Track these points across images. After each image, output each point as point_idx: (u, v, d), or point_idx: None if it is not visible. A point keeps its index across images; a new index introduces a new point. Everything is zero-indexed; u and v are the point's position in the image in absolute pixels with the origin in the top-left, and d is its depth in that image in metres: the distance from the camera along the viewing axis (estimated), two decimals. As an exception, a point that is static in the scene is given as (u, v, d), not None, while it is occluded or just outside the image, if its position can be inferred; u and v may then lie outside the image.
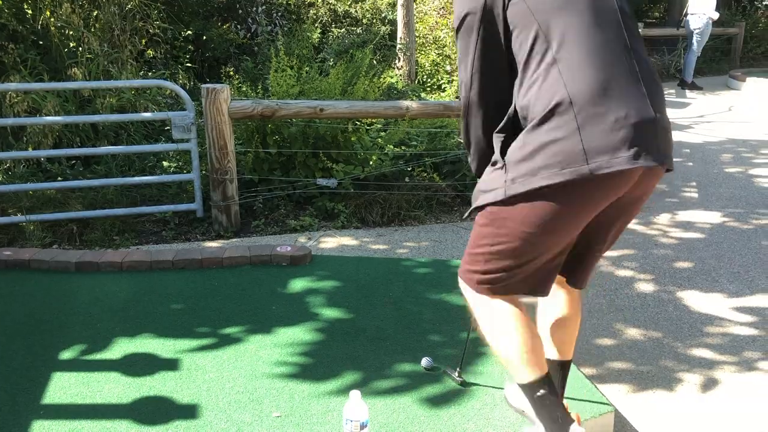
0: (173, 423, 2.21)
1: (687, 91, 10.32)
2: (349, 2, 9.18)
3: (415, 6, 8.42)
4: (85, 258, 3.48)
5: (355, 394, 2.04)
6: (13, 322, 2.89)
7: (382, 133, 5.22)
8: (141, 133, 5.53)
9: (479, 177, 2.00)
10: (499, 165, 1.80)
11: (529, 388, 1.92)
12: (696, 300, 3.50)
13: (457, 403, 2.33)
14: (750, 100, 9.49)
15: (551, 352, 2.11)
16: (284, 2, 9.12)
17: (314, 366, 2.57)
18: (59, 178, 4.88)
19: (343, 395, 2.36)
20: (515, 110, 1.80)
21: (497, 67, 1.83)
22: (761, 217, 4.81)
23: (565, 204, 1.70)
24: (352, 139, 4.94)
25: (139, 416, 2.25)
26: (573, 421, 1.89)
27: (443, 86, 7.97)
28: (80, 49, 5.88)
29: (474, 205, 1.88)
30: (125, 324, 2.89)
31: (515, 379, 1.96)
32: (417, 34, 8.49)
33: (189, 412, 2.28)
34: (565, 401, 2.14)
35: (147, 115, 4.94)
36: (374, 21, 8.98)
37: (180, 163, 5.19)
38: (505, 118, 1.82)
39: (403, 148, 5.11)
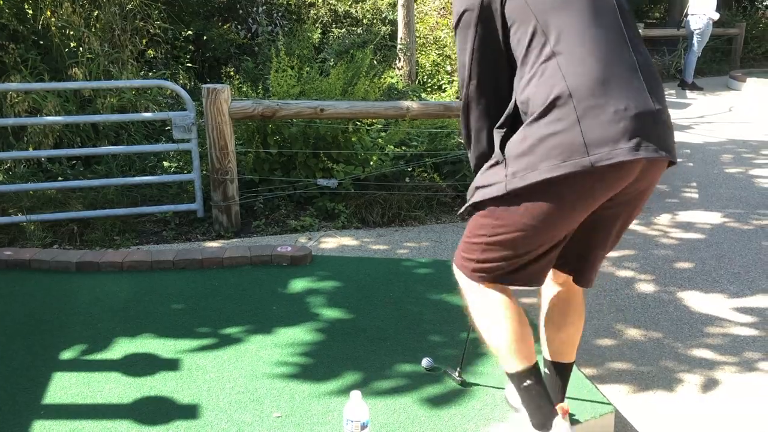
0: (174, 423, 2.21)
1: (687, 91, 10.33)
2: (349, 2, 9.18)
3: (415, 6, 8.42)
4: (86, 258, 3.48)
5: (356, 394, 2.04)
6: (14, 322, 2.89)
7: (383, 134, 5.22)
8: (141, 133, 5.54)
9: (476, 172, 2.01)
10: (499, 160, 1.80)
11: (516, 378, 1.94)
12: (696, 300, 3.50)
13: (457, 403, 2.33)
14: (750, 101, 9.49)
15: (554, 354, 2.10)
16: (285, 2, 9.12)
17: (315, 366, 2.57)
18: (60, 178, 4.88)
19: (343, 395, 2.36)
20: (515, 105, 1.80)
21: (495, 63, 1.83)
22: (761, 217, 4.81)
23: (567, 196, 1.69)
24: (353, 139, 4.94)
25: (140, 416, 2.25)
26: (557, 414, 1.90)
27: (444, 87, 7.97)
28: (81, 49, 5.88)
29: (471, 201, 1.87)
30: (126, 324, 2.89)
31: (503, 368, 1.97)
32: (417, 35, 8.49)
33: (189, 412, 2.28)
34: (566, 401, 2.14)
35: (147, 115, 4.94)
36: (375, 21, 8.98)
37: (180, 163, 5.20)
38: (505, 114, 1.82)
39: (403, 148, 5.11)
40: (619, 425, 2.44)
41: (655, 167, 1.74)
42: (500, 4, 1.78)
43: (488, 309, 1.92)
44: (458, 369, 2.47)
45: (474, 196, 1.86)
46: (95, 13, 6.27)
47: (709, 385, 2.76)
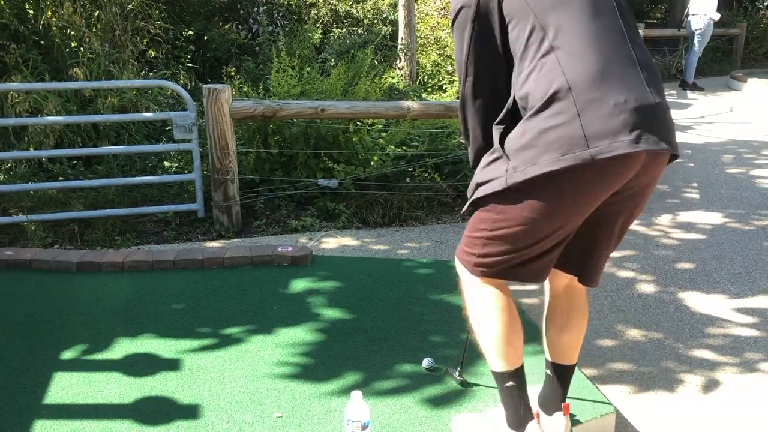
0: (174, 423, 2.21)
1: (688, 91, 10.32)
2: (350, 3, 9.18)
3: (416, 6, 8.42)
4: (87, 258, 3.48)
5: (357, 394, 2.04)
6: (15, 322, 2.89)
7: (384, 134, 5.22)
8: (142, 134, 5.54)
9: (474, 168, 2.01)
10: (499, 155, 1.79)
11: (499, 377, 1.96)
12: (697, 301, 3.50)
13: (458, 403, 2.33)
14: (751, 101, 9.48)
15: (556, 356, 2.10)
16: (285, 2, 9.12)
17: (315, 366, 2.57)
18: (60, 178, 4.89)
19: (344, 396, 2.36)
20: (514, 101, 1.79)
21: (492, 60, 1.84)
22: (762, 218, 4.81)
23: (567, 190, 1.69)
24: (354, 139, 4.94)
25: (141, 416, 2.25)
26: (533, 419, 1.94)
27: (444, 87, 7.97)
28: (82, 49, 5.88)
29: (472, 197, 1.87)
30: (126, 324, 2.89)
31: (488, 364, 1.99)
32: (418, 35, 8.49)
33: (190, 412, 2.28)
34: (567, 401, 2.14)
35: (148, 115, 4.94)
36: (375, 21, 8.98)
37: (181, 164, 5.20)
38: (504, 110, 1.82)
39: (404, 148, 5.11)
40: (620, 425, 2.44)
41: (657, 161, 1.73)
42: (497, 2, 1.78)
43: (483, 306, 1.92)
44: (459, 369, 2.47)
45: (475, 193, 1.85)
46: (96, 13, 6.27)
47: (710, 385, 2.76)
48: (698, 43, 10.10)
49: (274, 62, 5.19)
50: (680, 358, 2.95)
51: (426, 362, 2.56)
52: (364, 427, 2.03)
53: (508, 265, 1.84)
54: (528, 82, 1.72)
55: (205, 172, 4.64)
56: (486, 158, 1.85)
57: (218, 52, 8.10)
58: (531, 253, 1.81)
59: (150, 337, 2.78)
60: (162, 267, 3.48)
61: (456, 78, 7.83)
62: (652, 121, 1.66)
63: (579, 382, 2.42)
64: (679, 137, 7.33)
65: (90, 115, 5.16)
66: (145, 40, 6.80)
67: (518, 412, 1.95)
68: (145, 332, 2.82)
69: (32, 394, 2.37)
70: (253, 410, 2.29)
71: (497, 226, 1.80)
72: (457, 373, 2.46)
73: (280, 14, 9.19)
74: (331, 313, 3.00)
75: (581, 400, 2.33)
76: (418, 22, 8.67)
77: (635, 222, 4.68)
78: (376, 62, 7.45)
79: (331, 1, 9.13)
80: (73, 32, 6.01)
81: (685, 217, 4.83)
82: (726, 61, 12.62)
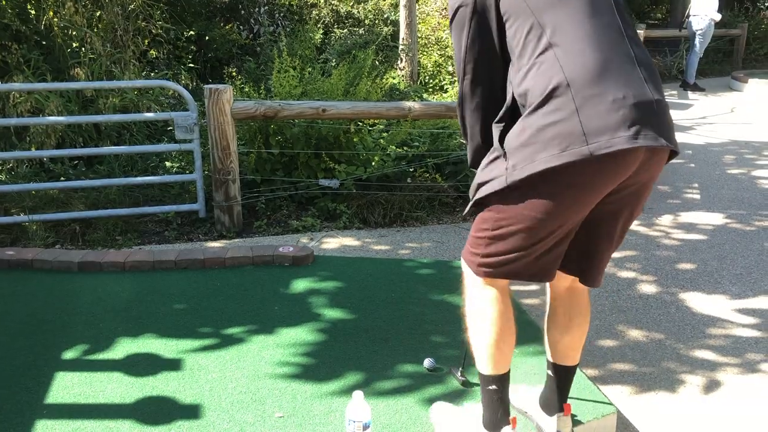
0: (176, 423, 2.22)
1: (689, 92, 10.32)
2: (351, 3, 9.18)
3: (417, 7, 8.42)
4: (88, 258, 3.48)
5: (358, 394, 2.04)
6: (16, 322, 2.89)
7: (385, 134, 5.22)
8: (144, 134, 5.54)
9: (473, 167, 2.02)
10: (498, 154, 1.79)
11: (483, 378, 1.98)
12: (698, 301, 3.50)
13: (459, 403, 2.33)
14: (752, 102, 9.48)
15: (558, 357, 2.10)
16: (287, 3, 9.12)
17: (317, 366, 2.57)
18: (62, 178, 4.89)
19: (345, 396, 2.36)
20: (513, 99, 1.79)
21: (490, 59, 1.84)
22: (764, 218, 4.81)
23: (567, 187, 1.68)
24: (355, 139, 4.94)
25: (142, 416, 2.25)
26: (509, 424, 1.96)
27: (445, 87, 7.97)
28: (83, 49, 5.89)
29: (474, 198, 1.87)
30: (128, 324, 2.89)
31: (475, 364, 2.00)
32: (419, 35, 8.49)
33: (191, 412, 2.28)
34: (568, 401, 2.14)
35: (150, 115, 4.95)
36: (376, 22, 8.98)
37: (182, 164, 5.20)
38: (504, 108, 1.82)
39: (405, 148, 5.11)
40: (621, 426, 2.44)
41: (657, 158, 1.73)
42: (495, 0, 1.78)
43: (481, 308, 1.92)
44: (460, 369, 2.47)
45: (477, 194, 1.85)
46: (98, 14, 6.28)
47: (711, 386, 2.76)
48: (699, 43, 10.09)
49: (276, 62, 5.19)
50: (681, 358, 2.95)
51: (427, 362, 2.56)
52: (366, 427, 2.03)
53: (511, 265, 1.83)
54: (526, 80, 1.72)
55: (206, 172, 4.64)
56: (486, 158, 1.86)
57: (219, 53, 8.11)
58: (534, 251, 1.80)
59: (151, 337, 2.79)
60: (163, 267, 3.48)
61: (457, 78, 7.82)
62: (651, 117, 1.66)
63: (580, 383, 2.42)
64: (680, 138, 7.33)
65: (91, 116, 5.16)
66: (146, 41, 6.80)
67: (496, 415, 1.98)
68: (147, 332, 2.82)
69: (34, 394, 2.37)
70: (255, 410, 2.29)
71: (499, 225, 1.80)
72: (458, 374, 2.46)
73: (282, 14, 9.20)
74: (333, 314, 3.01)
75: (582, 400, 2.33)
76: (419, 23, 8.68)
77: (636, 222, 4.67)
78: (377, 63, 7.45)
79: (333, 2, 9.14)
80: (74, 32, 6.02)
81: (686, 217, 4.82)
82: (727, 61, 12.62)
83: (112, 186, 4.69)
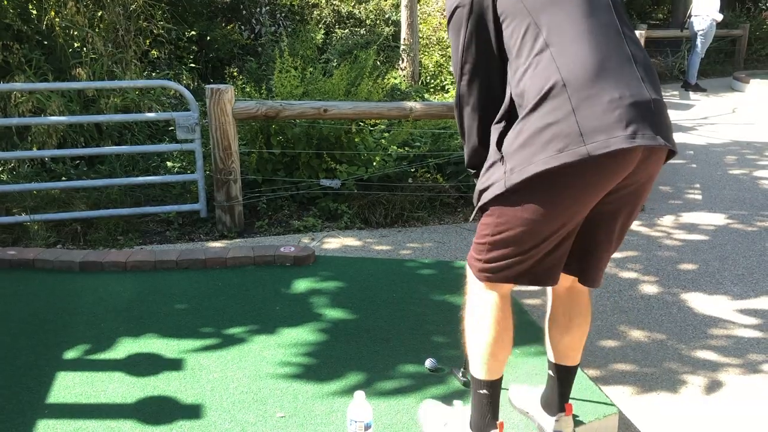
0: (177, 423, 2.22)
1: (690, 92, 10.31)
2: (352, 3, 9.18)
3: (418, 7, 8.42)
4: (89, 258, 3.48)
5: (359, 394, 2.04)
6: (18, 322, 2.90)
7: (386, 134, 5.22)
8: (145, 134, 5.55)
9: (469, 168, 2.02)
10: (496, 159, 1.79)
11: (475, 382, 1.98)
12: (700, 302, 3.49)
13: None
14: (754, 102, 9.47)
15: (559, 357, 2.10)
16: (288, 3, 9.13)
17: (318, 366, 2.57)
18: (63, 178, 4.89)
19: (347, 396, 2.36)
20: (511, 99, 1.79)
21: (488, 58, 1.84)
22: (765, 219, 4.80)
23: (566, 188, 1.68)
24: (356, 139, 4.95)
25: (143, 416, 2.25)
26: (496, 428, 1.96)
27: (447, 87, 7.97)
28: (85, 49, 5.89)
29: (477, 205, 1.87)
30: (129, 324, 2.89)
31: (469, 367, 2.00)
32: (420, 35, 8.49)
33: (193, 412, 2.28)
34: (569, 402, 2.14)
35: (151, 115, 4.95)
36: (378, 22, 8.98)
37: (184, 164, 5.20)
38: (502, 108, 1.82)
39: (406, 149, 5.11)
40: (623, 426, 2.44)
41: (655, 157, 1.72)
42: (492, 0, 1.78)
43: (481, 313, 1.92)
44: (462, 369, 2.46)
45: (479, 200, 1.85)
46: (99, 14, 6.29)
47: (713, 386, 2.75)
48: (701, 44, 10.09)
49: (277, 63, 5.19)
50: (683, 359, 2.95)
51: (429, 363, 2.56)
52: (367, 427, 2.03)
53: (512, 269, 1.83)
54: (523, 80, 1.72)
55: (207, 172, 4.64)
56: (486, 164, 1.85)
57: (221, 53, 8.12)
58: (535, 255, 1.80)
59: (152, 336, 2.79)
60: (165, 267, 3.48)
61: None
62: (649, 116, 1.65)
63: (582, 383, 2.42)
64: (682, 138, 7.33)
65: (93, 115, 5.16)
66: (148, 41, 6.81)
67: (484, 419, 1.98)
68: (148, 332, 2.82)
69: (35, 394, 2.37)
70: (256, 410, 2.29)
71: (499, 230, 1.80)
72: (460, 374, 2.46)
73: (283, 15, 9.21)
74: (334, 314, 3.00)
75: (584, 401, 2.33)
76: (421, 23, 8.68)
77: (638, 223, 4.67)
78: (378, 63, 7.45)
79: (334, 2, 9.14)
80: (76, 32, 6.02)
81: (687, 218, 4.82)
82: (728, 62, 12.61)
83: (114, 186, 4.69)
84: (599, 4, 1.74)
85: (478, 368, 1.94)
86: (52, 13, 5.97)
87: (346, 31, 8.66)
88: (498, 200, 1.77)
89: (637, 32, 4.76)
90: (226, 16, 8.95)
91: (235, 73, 7.49)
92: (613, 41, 1.71)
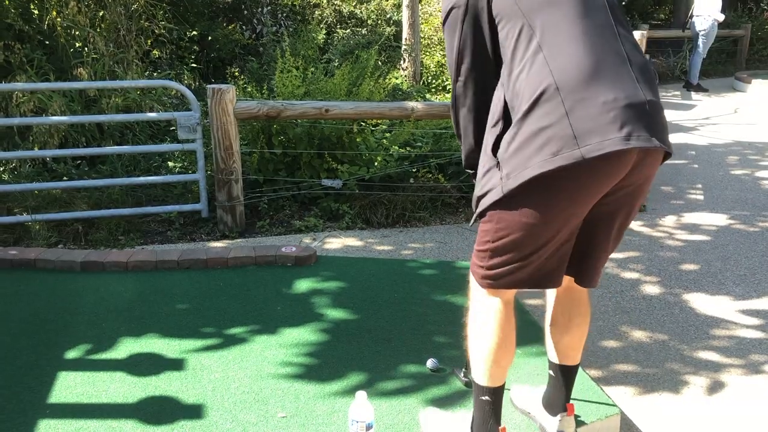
0: (178, 423, 2.21)
1: (692, 93, 10.31)
2: (354, 3, 9.18)
3: (420, 7, 8.42)
4: (91, 258, 3.48)
5: (361, 394, 2.04)
6: (19, 322, 2.90)
7: (388, 134, 5.22)
8: (146, 133, 5.55)
9: (467, 168, 2.02)
10: (492, 164, 1.78)
11: (477, 388, 1.97)
12: (702, 302, 3.49)
13: (462, 404, 2.33)
14: (756, 102, 9.46)
15: (559, 357, 2.09)
16: (289, 3, 9.13)
17: (319, 366, 2.57)
18: (65, 178, 4.89)
19: (348, 396, 2.35)
20: (504, 102, 1.78)
21: (483, 60, 1.84)
22: (767, 219, 4.80)
23: (561, 191, 1.67)
24: (357, 139, 4.94)
25: (145, 416, 2.25)
26: None
27: (448, 87, 7.96)
28: (86, 49, 5.89)
29: (476, 212, 1.87)
30: (130, 324, 2.89)
31: (471, 373, 2.00)
32: (422, 35, 8.49)
33: (194, 412, 2.28)
34: (571, 401, 2.13)
35: (152, 115, 4.95)
36: (379, 22, 8.98)
37: (185, 164, 5.20)
38: (497, 112, 1.81)
39: (408, 149, 5.11)
40: (625, 427, 2.43)
41: (650, 158, 1.71)
42: (487, 2, 1.77)
43: (483, 319, 1.91)
44: (463, 370, 2.46)
45: (477, 207, 1.85)
46: (101, 13, 6.29)
47: (715, 387, 2.75)
48: (702, 44, 10.08)
49: (278, 62, 5.19)
50: (685, 359, 2.95)
51: (430, 363, 2.55)
52: (369, 427, 2.03)
53: (514, 275, 1.82)
54: (518, 83, 1.71)
55: (209, 172, 4.64)
56: (481, 169, 1.84)
57: (222, 53, 8.12)
58: (536, 260, 1.79)
59: (154, 336, 2.78)
60: (166, 267, 3.48)
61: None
62: (643, 118, 1.64)
63: (583, 383, 2.42)
64: (684, 138, 7.32)
65: (94, 115, 5.16)
66: (149, 41, 6.81)
67: (486, 424, 1.97)
68: (149, 332, 2.82)
69: (37, 394, 2.37)
70: (257, 410, 2.29)
71: (499, 236, 1.79)
72: (461, 374, 2.46)
73: (284, 15, 9.21)
74: (335, 314, 3.00)
75: (586, 401, 2.32)
76: (422, 23, 8.67)
77: (640, 223, 4.67)
78: (380, 63, 7.45)
79: (335, 2, 9.14)
80: (77, 32, 6.03)
81: (689, 218, 4.81)
82: (730, 62, 12.60)
83: (115, 186, 4.69)
84: (595, 5, 1.73)
85: (481, 375, 1.94)
86: (54, 13, 5.97)
87: (348, 31, 8.65)
88: (496, 206, 1.77)
89: (638, 32, 4.74)
90: (228, 16, 8.95)
91: (237, 73, 7.49)
92: (609, 42, 1.69)
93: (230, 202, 4.36)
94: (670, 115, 8.49)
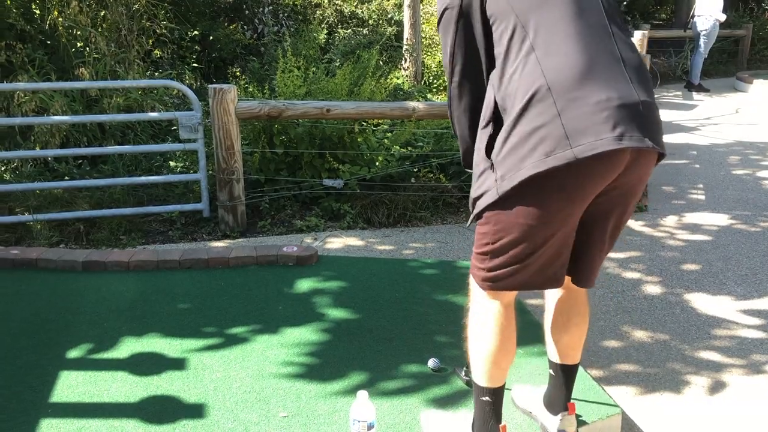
0: (180, 422, 2.22)
1: (694, 93, 10.30)
2: (355, 3, 9.18)
3: (421, 7, 8.42)
4: (92, 257, 3.49)
5: (362, 394, 2.04)
6: (20, 321, 2.90)
7: (389, 134, 5.22)
8: (148, 133, 5.55)
9: (465, 168, 2.03)
10: (485, 167, 1.78)
11: (478, 389, 1.98)
12: (703, 302, 3.49)
13: (464, 404, 2.33)
14: (757, 102, 9.46)
15: (559, 356, 2.10)
16: (291, 3, 9.13)
17: (321, 366, 2.57)
18: (66, 178, 4.90)
19: (350, 395, 2.36)
20: (495, 103, 1.78)
21: (477, 60, 1.84)
22: (769, 219, 4.80)
23: (555, 191, 1.67)
24: (359, 139, 4.94)
25: (146, 415, 2.25)
26: None
27: (449, 87, 7.95)
28: (87, 49, 5.90)
29: (473, 214, 1.87)
30: (132, 323, 2.89)
31: (471, 373, 2.00)
32: (423, 35, 8.49)
33: (196, 411, 2.28)
34: (572, 401, 2.14)
35: (154, 114, 4.95)
36: (380, 22, 8.98)
37: (187, 163, 5.20)
38: (488, 112, 1.81)
39: (409, 149, 5.11)
40: (626, 427, 2.44)
41: (644, 159, 1.71)
42: (480, 2, 1.77)
43: (483, 321, 1.91)
44: (465, 369, 2.46)
45: (474, 209, 1.85)
46: (102, 13, 6.29)
47: (716, 387, 2.75)
48: (704, 44, 10.07)
49: (280, 62, 5.19)
50: (686, 359, 2.95)
51: (431, 362, 2.55)
52: (370, 427, 2.03)
53: (514, 277, 1.82)
54: (510, 84, 1.71)
55: (210, 171, 4.64)
56: (475, 171, 1.85)
57: (224, 53, 8.12)
58: (535, 262, 1.79)
59: (155, 336, 2.79)
60: (167, 267, 3.48)
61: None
62: (637, 118, 1.64)
63: (585, 383, 2.42)
64: (685, 138, 7.32)
65: (96, 115, 5.17)
66: (150, 40, 6.81)
67: (486, 425, 1.98)
68: (151, 331, 2.82)
69: (38, 393, 2.37)
70: (259, 410, 2.29)
71: (497, 238, 1.79)
72: (462, 374, 2.46)
73: (286, 15, 9.21)
74: (336, 313, 3.00)
75: (587, 401, 2.33)
76: (423, 23, 8.67)
77: (641, 223, 4.67)
78: (381, 63, 7.45)
79: (337, 2, 9.14)
80: (79, 32, 6.03)
81: (690, 218, 4.81)
82: (732, 62, 12.59)
83: (117, 185, 4.69)
84: (589, 5, 1.73)
85: (481, 376, 1.94)
86: (55, 13, 5.98)
87: (349, 31, 8.65)
88: (492, 208, 1.77)
89: (640, 32, 4.75)
90: (229, 16, 8.95)
91: (238, 73, 7.50)
92: (602, 42, 1.69)
93: (232, 201, 4.36)
94: (671, 115, 8.48)
